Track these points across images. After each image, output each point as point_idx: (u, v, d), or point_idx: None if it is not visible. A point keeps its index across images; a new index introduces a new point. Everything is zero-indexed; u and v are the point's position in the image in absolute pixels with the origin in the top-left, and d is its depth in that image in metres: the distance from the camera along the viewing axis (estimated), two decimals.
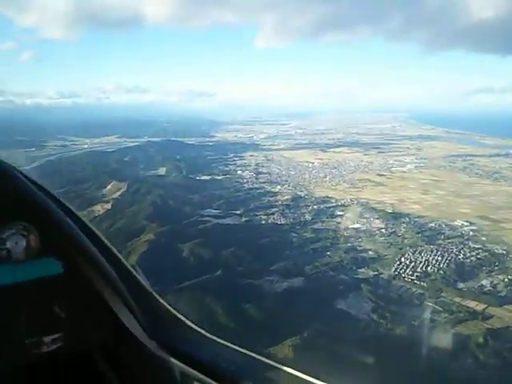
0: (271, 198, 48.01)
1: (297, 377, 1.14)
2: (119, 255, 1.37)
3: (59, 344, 1.26)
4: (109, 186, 53.09)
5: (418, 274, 28.33)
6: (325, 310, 22.53)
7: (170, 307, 1.43)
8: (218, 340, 1.38)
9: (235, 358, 1.28)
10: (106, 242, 1.35)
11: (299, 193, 50.58)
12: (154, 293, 1.42)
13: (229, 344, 1.34)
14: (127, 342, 1.36)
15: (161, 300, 1.43)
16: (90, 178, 55.38)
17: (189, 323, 1.43)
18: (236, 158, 74.67)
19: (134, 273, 1.40)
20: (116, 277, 1.30)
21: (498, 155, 72.72)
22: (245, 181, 56.97)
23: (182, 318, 1.43)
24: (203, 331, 1.41)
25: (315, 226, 38.35)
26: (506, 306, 24.25)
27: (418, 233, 36.45)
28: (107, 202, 46.47)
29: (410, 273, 28.69)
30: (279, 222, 39.77)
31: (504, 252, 31.47)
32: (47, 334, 1.25)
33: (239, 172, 62.53)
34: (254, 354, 1.28)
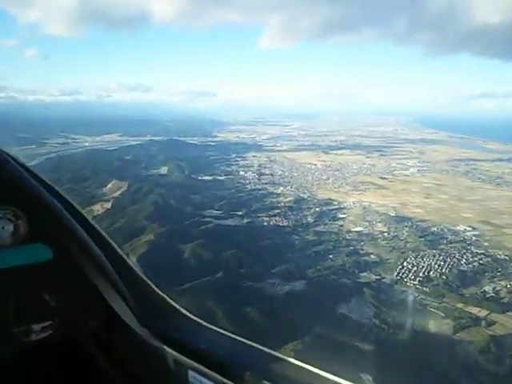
0: (273, 200, 47.85)
1: (293, 364, 1.12)
2: (111, 241, 1.34)
3: (49, 332, 1.24)
4: (109, 185, 52.96)
5: (421, 279, 28.15)
6: (327, 314, 22.37)
7: (163, 294, 1.39)
8: (212, 327, 1.35)
9: (230, 346, 1.25)
10: (98, 228, 1.32)
11: (302, 195, 50.41)
12: (146, 279, 1.38)
13: (223, 331, 1.32)
14: (118, 329, 1.33)
15: (153, 287, 1.39)
16: (90, 177, 55.30)
17: (182, 310, 1.39)
18: (238, 159, 74.46)
19: (127, 259, 1.37)
20: (107, 263, 1.27)
21: (500, 160, 72.56)
22: (247, 182, 56.81)
23: (176, 306, 1.40)
24: (197, 318, 1.38)
25: (317, 229, 38.18)
26: (508, 313, 24.08)
27: (421, 237, 36.25)
28: (107, 200, 46.36)
29: (413, 277, 28.52)
30: (281, 224, 39.60)
31: (506, 258, 31.26)
32: (36, 321, 1.22)
33: (241, 173, 62.32)
34: (249, 342, 1.25)
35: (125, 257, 1.37)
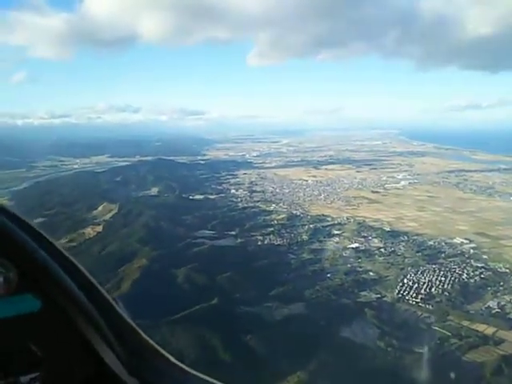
0: (266, 217, 46.99)
1: None
2: (99, 286, 1.32)
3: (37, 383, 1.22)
4: (100, 208, 51.50)
5: (423, 297, 27.34)
6: (329, 338, 21.27)
7: (151, 341, 1.38)
8: (200, 375, 1.36)
9: None
10: (86, 272, 1.30)
11: (294, 211, 49.70)
12: (134, 326, 1.36)
13: (211, 379, 1.33)
14: (107, 379, 1.30)
15: (142, 333, 1.37)
16: (80, 200, 53.86)
17: (170, 358, 1.39)
18: (229, 177, 73.95)
19: (114, 304, 1.34)
20: (95, 311, 1.26)
21: (489, 170, 73.44)
22: (239, 200, 56.02)
23: (163, 353, 1.39)
24: (184, 366, 1.38)
25: (313, 247, 37.32)
26: None
27: (418, 252, 35.68)
28: (98, 224, 44.91)
29: (414, 295, 27.69)
30: (276, 243, 38.62)
31: (507, 270, 30.83)
32: (24, 373, 1.19)
33: (233, 191, 61.61)
34: None
35: (112, 302, 1.34)
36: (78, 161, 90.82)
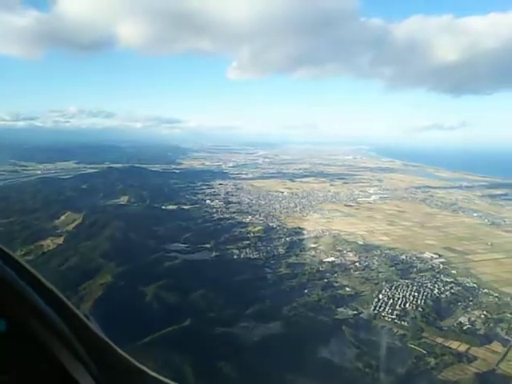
0: (242, 230, 46.10)
1: None
2: (68, 303, 1.23)
3: None
4: (62, 217, 48.35)
5: (398, 313, 27.41)
6: (307, 360, 20.47)
7: (127, 356, 1.31)
8: None
9: None
10: (53, 288, 1.22)
11: (271, 224, 49.21)
12: (107, 340, 1.29)
13: None
14: None
15: (117, 349, 1.30)
16: (40, 208, 50.44)
17: (149, 372, 1.31)
18: (204, 187, 72.62)
19: (85, 320, 1.26)
20: (66, 328, 1.19)
21: (452, 187, 77.57)
22: (214, 210, 54.80)
23: (141, 367, 1.32)
24: (165, 379, 1.32)
25: (290, 260, 36.79)
26: (487, 346, 23.82)
27: (391, 266, 36.14)
28: (59, 235, 41.94)
29: (390, 311, 27.73)
30: (252, 257, 37.72)
31: (475, 286, 31.79)
32: None
33: (208, 201, 60.27)
34: None
35: (83, 318, 1.26)
36: (41, 166, 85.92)
